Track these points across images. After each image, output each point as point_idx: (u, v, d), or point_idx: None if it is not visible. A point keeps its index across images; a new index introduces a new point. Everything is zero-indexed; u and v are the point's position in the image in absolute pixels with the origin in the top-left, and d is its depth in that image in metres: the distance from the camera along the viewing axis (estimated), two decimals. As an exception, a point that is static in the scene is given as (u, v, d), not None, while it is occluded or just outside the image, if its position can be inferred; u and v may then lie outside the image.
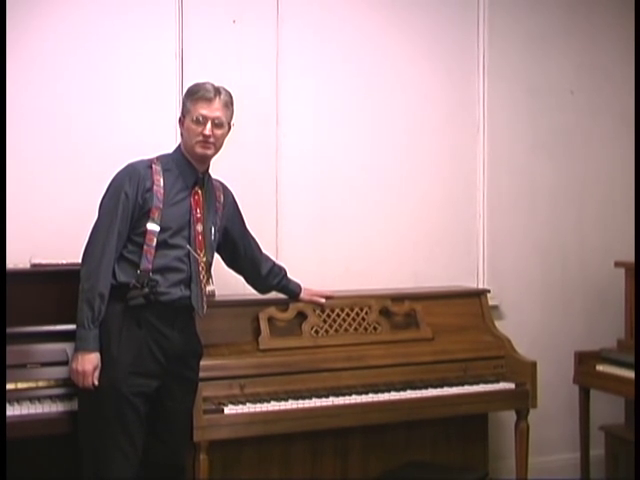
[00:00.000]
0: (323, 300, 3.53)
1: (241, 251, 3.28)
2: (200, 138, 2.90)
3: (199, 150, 2.92)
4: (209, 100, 2.91)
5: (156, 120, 3.61)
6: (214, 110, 2.91)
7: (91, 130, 3.53)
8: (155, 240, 2.84)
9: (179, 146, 3.01)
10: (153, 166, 2.90)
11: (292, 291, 3.48)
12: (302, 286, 3.50)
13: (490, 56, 4.24)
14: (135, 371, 2.82)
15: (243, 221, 3.28)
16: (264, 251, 3.40)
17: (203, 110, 2.90)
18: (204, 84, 2.96)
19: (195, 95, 2.93)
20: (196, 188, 2.96)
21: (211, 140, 2.91)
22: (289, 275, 3.47)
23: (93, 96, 3.54)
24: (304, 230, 3.91)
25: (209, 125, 2.90)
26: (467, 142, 4.23)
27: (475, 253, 4.25)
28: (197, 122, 2.90)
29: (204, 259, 2.96)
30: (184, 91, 3.05)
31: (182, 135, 2.99)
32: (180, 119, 3.00)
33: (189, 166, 2.96)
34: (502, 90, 4.28)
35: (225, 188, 3.18)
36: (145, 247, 2.83)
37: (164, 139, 3.41)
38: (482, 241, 4.25)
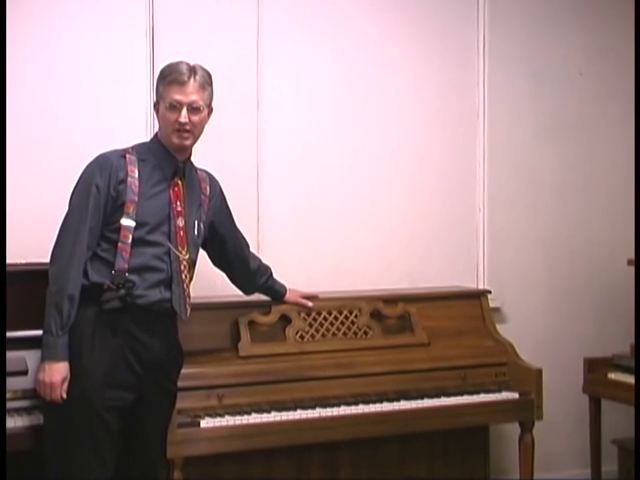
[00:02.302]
0: (310, 304, 3.54)
1: (230, 248, 3.28)
2: (176, 126, 2.87)
3: (176, 140, 2.89)
4: (182, 83, 2.87)
5: (125, 106, 3.61)
6: (189, 94, 2.87)
7: (55, 118, 3.53)
8: (130, 237, 2.82)
9: (156, 134, 3.00)
10: (127, 156, 2.88)
11: (277, 292, 3.50)
12: (287, 287, 3.52)
13: (490, 37, 4.25)
14: (109, 383, 2.79)
15: (231, 215, 3.28)
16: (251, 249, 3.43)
17: (176, 95, 2.86)
18: (177, 64, 2.91)
19: (167, 78, 2.89)
20: (176, 179, 2.94)
21: (188, 127, 2.88)
22: (274, 275, 3.48)
23: (56, 81, 3.53)
24: (288, 226, 3.91)
25: (184, 111, 2.86)
26: (465, 130, 4.25)
27: (474, 251, 4.26)
28: (172, 108, 2.87)
29: (186, 257, 2.94)
30: (155, 74, 3.05)
31: (159, 122, 2.97)
32: (155, 104, 2.98)
33: (167, 155, 2.93)
34: (503, 74, 4.29)
35: (212, 179, 3.17)
36: (120, 245, 2.81)
37: (134, 126, 3.42)
38: (482, 238, 4.27)
